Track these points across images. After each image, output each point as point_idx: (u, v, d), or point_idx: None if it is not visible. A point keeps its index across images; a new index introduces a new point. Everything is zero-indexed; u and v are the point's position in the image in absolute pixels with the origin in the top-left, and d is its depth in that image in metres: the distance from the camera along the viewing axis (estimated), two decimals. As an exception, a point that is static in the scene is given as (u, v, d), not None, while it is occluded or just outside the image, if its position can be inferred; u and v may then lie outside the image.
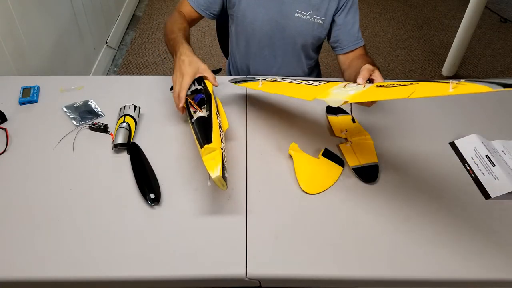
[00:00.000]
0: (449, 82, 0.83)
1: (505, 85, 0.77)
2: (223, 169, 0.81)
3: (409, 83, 0.87)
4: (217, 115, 0.95)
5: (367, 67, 0.96)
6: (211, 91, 1.01)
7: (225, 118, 1.01)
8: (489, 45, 2.94)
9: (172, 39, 1.11)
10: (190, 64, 0.99)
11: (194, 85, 1.02)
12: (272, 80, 1.13)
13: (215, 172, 0.80)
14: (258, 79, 1.14)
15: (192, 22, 1.26)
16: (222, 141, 0.88)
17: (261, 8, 1.22)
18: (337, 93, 0.90)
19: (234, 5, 1.24)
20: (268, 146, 1.05)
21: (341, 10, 1.22)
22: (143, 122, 1.11)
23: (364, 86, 0.92)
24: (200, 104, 0.98)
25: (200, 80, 1.03)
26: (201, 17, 1.27)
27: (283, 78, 1.14)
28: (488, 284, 0.83)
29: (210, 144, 0.85)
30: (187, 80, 0.97)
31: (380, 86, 0.91)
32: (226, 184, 0.82)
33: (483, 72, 2.70)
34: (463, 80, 0.82)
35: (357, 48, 1.24)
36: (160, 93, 1.20)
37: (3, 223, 0.87)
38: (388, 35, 3.00)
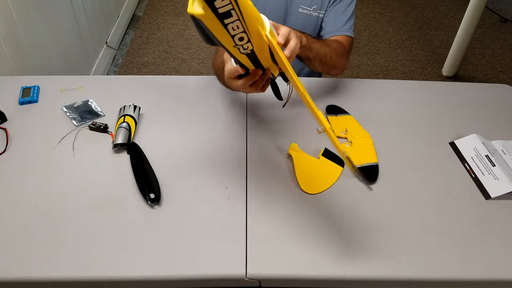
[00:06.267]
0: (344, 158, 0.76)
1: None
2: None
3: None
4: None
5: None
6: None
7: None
8: (489, 45, 2.94)
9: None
10: None
11: None
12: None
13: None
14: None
15: None
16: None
17: (267, 6, 1.23)
18: None
19: None
20: (268, 146, 1.05)
21: (336, 1, 1.23)
22: (143, 122, 1.11)
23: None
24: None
25: None
26: None
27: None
28: (488, 284, 0.83)
29: None
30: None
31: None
32: None
33: (483, 72, 2.70)
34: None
35: (337, 36, 1.20)
36: (160, 93, 1.20)
37: (3, 223, 0.87)
38: (388, 35, 3.00)
